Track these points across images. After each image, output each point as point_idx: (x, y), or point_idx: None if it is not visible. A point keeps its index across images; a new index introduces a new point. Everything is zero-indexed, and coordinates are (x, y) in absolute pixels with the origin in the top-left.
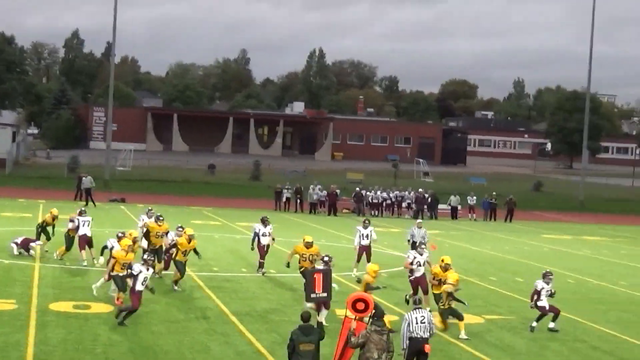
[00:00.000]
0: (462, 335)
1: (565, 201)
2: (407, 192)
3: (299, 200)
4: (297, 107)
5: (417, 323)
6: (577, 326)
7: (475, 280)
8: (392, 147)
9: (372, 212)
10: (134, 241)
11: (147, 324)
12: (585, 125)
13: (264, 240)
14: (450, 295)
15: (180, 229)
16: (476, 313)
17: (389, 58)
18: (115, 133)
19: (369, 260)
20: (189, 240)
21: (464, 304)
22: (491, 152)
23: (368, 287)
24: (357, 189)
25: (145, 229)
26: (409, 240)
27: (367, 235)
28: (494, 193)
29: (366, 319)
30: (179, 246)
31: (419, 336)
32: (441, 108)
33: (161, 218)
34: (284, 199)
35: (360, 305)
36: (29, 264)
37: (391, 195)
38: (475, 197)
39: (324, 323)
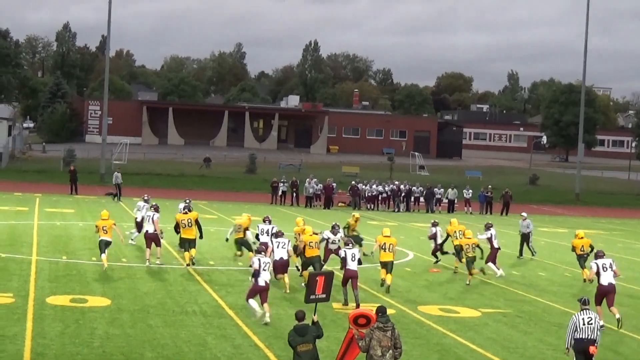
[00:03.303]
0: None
1: (561, 194)
2: (401, 186)
3: (294, 194)
4: (292, 101)
5: (584, 324)
6: None
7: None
8: (387, 141)
9: (368, 206)
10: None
11: (143, 317)
12: (580, 118)
13: (332, 246)
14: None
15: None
16: (473, 306)
17: (386, 52)
18: (110, 126)
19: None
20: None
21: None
22: (487, 145)
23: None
24: (353, 182)
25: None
26: (520, 232)
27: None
28: (490, 186)
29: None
30: None
31: (585, 337)
32: (436, 101)
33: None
34: (279, 193)
35: (362, 321)
36: (25, 257)
37: (387, 188)
38: (471, 191)
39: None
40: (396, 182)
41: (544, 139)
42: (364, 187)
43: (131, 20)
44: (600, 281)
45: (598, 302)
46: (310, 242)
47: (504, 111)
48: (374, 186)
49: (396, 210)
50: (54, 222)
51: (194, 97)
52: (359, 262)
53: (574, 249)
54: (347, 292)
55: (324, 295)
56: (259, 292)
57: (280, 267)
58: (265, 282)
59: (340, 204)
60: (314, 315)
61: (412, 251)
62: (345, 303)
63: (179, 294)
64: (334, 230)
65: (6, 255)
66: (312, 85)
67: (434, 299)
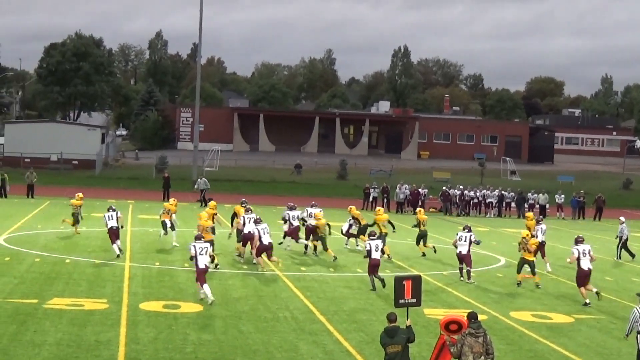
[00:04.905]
0: None
1: None
2: (489, 191)
3: (385, 200)
4: (383, 107)
5: None
6: None
7: (563, 279)
8: (478, 146)
9: (459, 212)
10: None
11: (235, 323)
12: None
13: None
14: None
15: None
16: (566, 312)
17: (477, 57)
18: (202, 134)
19: (543, 256)
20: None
21: None
22: (579, 149)
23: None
24: (444, 188)
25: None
26: (617, 237)
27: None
28: (582, 191)
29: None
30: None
31: None
32: (527, 106)
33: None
34: (370, 198)
35: (454, 327)
36: (119, 263)
37: (478, 194)
38: (563, 196)
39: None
40: (460, 187)
41: (638, 143)
42: (455, 192)
43: (223, 28)
44: (581, 265)
45: (581, 284)
46: (207, 228)
47: (597, 115)
48: (465, 191)
49: (461, 214)
50: (146, 228)
51: (285, 104)
52: (382, 253)
53: (528, 228)
54: (374, 280)
55: (414, 300)
56: (202, 274)
57: (266, 249)
58: (205, 265)
59: (431, 210)
60: (407, 320)
61: (503, 257)
62: (373, 288)
63: (271, 300)
64: (290, 207)
65: (100, 261)
66: (402, 90)
67: (526, 305)
